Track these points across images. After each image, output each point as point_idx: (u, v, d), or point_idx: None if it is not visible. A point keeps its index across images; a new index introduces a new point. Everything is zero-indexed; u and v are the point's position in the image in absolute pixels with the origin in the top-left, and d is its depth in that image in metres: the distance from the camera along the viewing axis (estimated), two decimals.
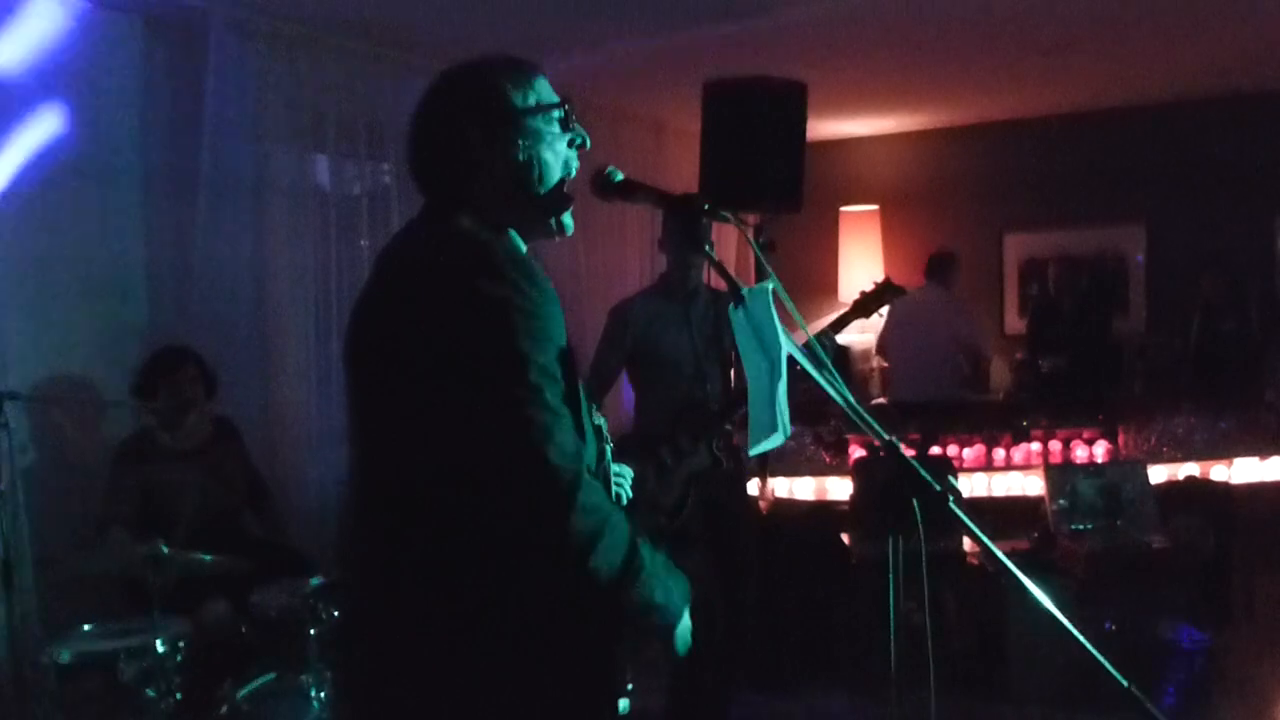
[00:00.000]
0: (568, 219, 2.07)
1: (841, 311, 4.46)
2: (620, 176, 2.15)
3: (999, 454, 6.12)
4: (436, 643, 1.85)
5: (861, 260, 9.22)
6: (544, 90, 2.05)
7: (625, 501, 2.17)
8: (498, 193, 2.00)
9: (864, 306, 4.45)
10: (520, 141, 1.99)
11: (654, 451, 4.03)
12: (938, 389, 7.43)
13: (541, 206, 2.04)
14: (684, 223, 2.24)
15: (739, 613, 4.25)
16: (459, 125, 1.99)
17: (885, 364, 8.39)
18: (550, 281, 1.88)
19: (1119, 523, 5.23)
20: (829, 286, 9.23)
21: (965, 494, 5.67)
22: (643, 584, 1.84)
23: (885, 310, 4.69)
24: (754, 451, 1.88)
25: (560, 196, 2.05)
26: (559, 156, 2.04)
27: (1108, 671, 1.73)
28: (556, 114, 2.04)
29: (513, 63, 2.05)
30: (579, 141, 2.08)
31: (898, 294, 4.54)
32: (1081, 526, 5.22)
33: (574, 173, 2.09)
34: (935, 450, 5.88)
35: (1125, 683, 1.70)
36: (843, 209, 9.26)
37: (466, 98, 2.01)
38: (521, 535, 1.78)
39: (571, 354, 1.89)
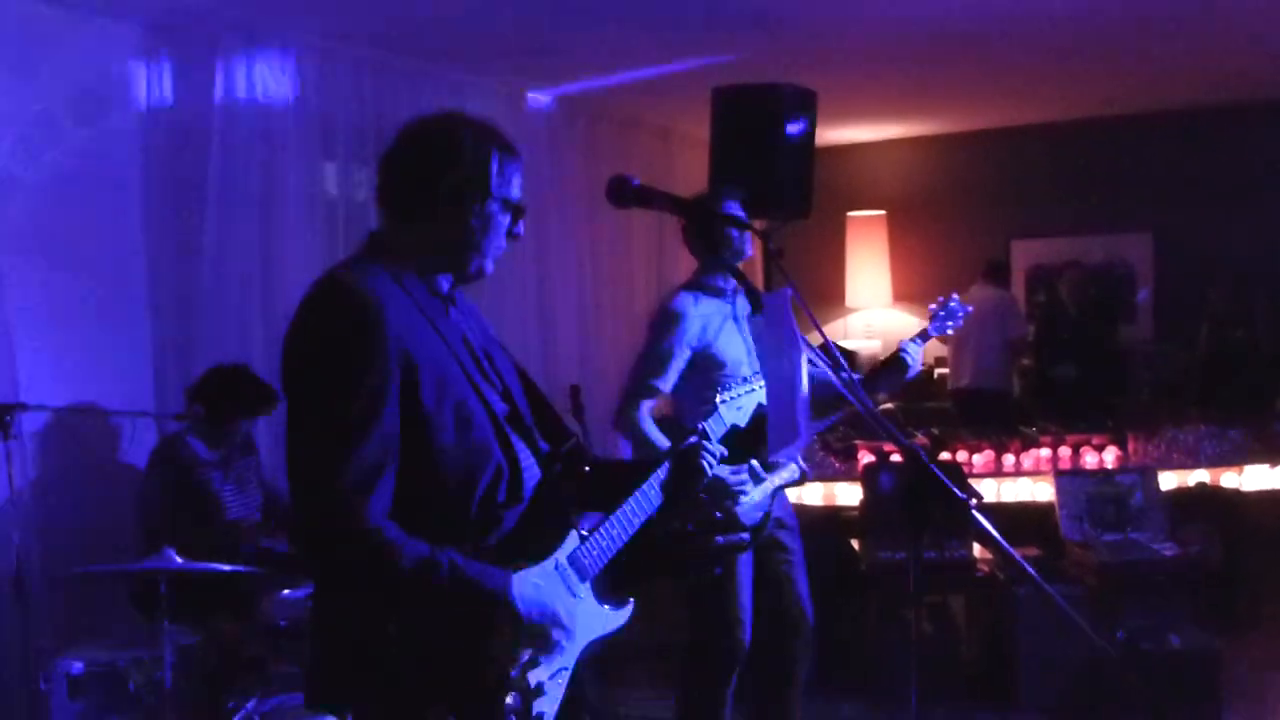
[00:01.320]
0: (488, 265, 2.16)
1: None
2: (636, 183, 2.16)
3: (1008, 459, 6.10)
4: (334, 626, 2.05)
5: (868, 266, 9.22)
6: (515, 180, 2.13)
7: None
8: (430, 245, 2.12)
9: None
10: (474, 219, 2.09)
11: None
12: (990, 379, 8.09)
13: (458, 271, 2.15)
14: (700, 228, 2.24)
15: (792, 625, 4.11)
16: (436, 178, 2.08)
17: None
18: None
19: (1129, 530, 5.21)
20: (836, 292, 9.23)
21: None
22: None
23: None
24: (774, 456, 1.88)
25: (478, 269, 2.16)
26: (492, 245, 2.14)
27: (1118, 680, 1.72)
28: (514, 208, 2.13)
29: (506, 144, 2.14)
30: (516, 237, 2.17)
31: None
32: (1091, 534, 5.19)
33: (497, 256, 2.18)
34: (945, 456, 5.85)
35: (1151, 694, 1.68)
36: (850, 214, 9.25)
37: (457, 156, 2.08)
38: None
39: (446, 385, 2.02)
